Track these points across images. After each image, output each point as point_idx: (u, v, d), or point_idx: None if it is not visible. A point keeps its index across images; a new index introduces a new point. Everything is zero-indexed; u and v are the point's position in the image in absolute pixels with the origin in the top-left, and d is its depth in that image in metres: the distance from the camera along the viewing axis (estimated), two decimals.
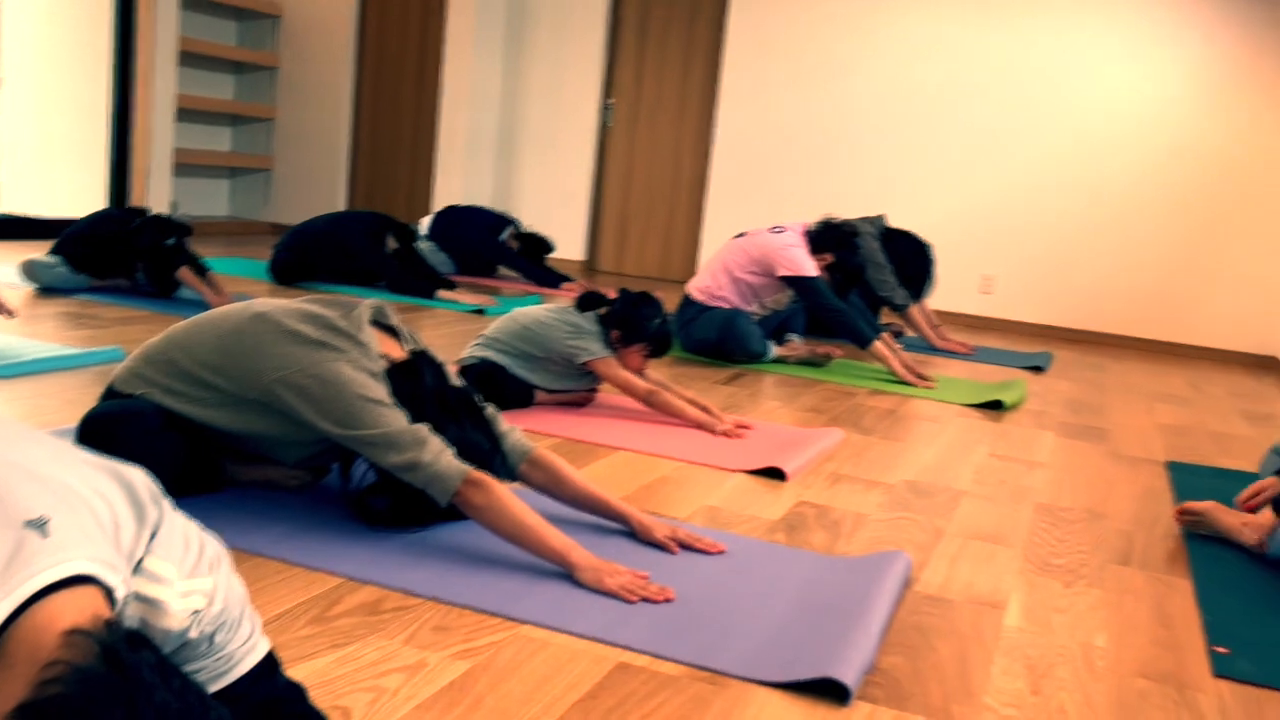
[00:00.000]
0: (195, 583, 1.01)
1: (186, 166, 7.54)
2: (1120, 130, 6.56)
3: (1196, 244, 6.49)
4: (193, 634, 1.01)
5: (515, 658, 1.58)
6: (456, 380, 2.15)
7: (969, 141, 6.84)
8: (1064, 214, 6.70)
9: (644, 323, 3.19)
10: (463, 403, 2.06)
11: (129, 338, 3.60)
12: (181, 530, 1.02)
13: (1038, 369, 5.19)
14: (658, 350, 3.23)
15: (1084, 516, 2.69)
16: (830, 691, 1.56)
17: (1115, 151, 6.57)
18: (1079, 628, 1.94)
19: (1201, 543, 2.53)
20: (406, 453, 1.88)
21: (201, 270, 4.39)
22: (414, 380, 2.00)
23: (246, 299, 2.40)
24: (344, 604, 1.70)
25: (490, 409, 2.17)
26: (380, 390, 1.95)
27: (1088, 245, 6.67)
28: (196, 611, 1.01)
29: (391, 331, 2.14)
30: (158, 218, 4.42)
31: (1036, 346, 6.11)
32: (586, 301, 3.26)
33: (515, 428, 2.20)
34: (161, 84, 6.63)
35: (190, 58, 7.35)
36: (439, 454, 1.88)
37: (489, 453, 2.03)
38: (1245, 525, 2.49)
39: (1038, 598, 2.08)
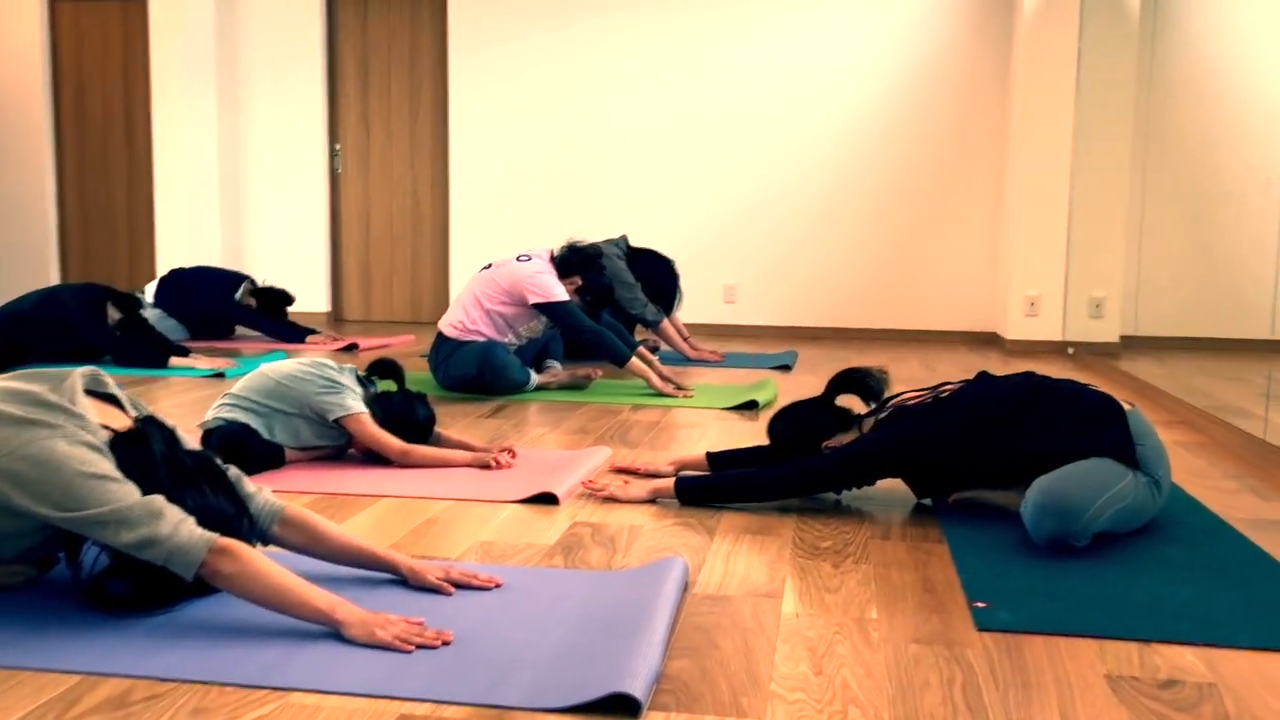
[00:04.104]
0: None
1: None
2: (834, 131, 6.95)
3: (916, 235, 6.95)
4: None
5: None
6: (192, 444, 2.00)
7: (696, 158, 7.07)
8: (793, 219, 7.02)
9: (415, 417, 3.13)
10: (200, 467, 1.91)
11: None
12: None
13: (785, 368, 5.41)
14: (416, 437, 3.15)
15: (846, 498, 2.79)
16: (621, 706, 1.53)
17: (833, 152, 6.96)
18: (852, 604, 2.00)
19: (951, 510, 2.67)
20: (141, 528, 1.73)
21: None
22: (142, 449, 1.84)
23: None
24: (84, 703, 1.53)
25: (234, 471, 2.03)
26: (104, 464, 1.78)
27: (818, 247, 7.02)
28: None
29: (111, 400, 1.97)
30: None
31: (782, 348, 6.36)
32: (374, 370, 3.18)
33: (264, 487, 2.06)
34: None
35: None
36: (178, 525, 1.74)
37: (235, 517, 1.89)
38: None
39: (810, 581, 2.13)
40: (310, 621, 1.76)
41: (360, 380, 3.16)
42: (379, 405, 3.13)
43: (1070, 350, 6.29)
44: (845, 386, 2.74)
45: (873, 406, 2.74)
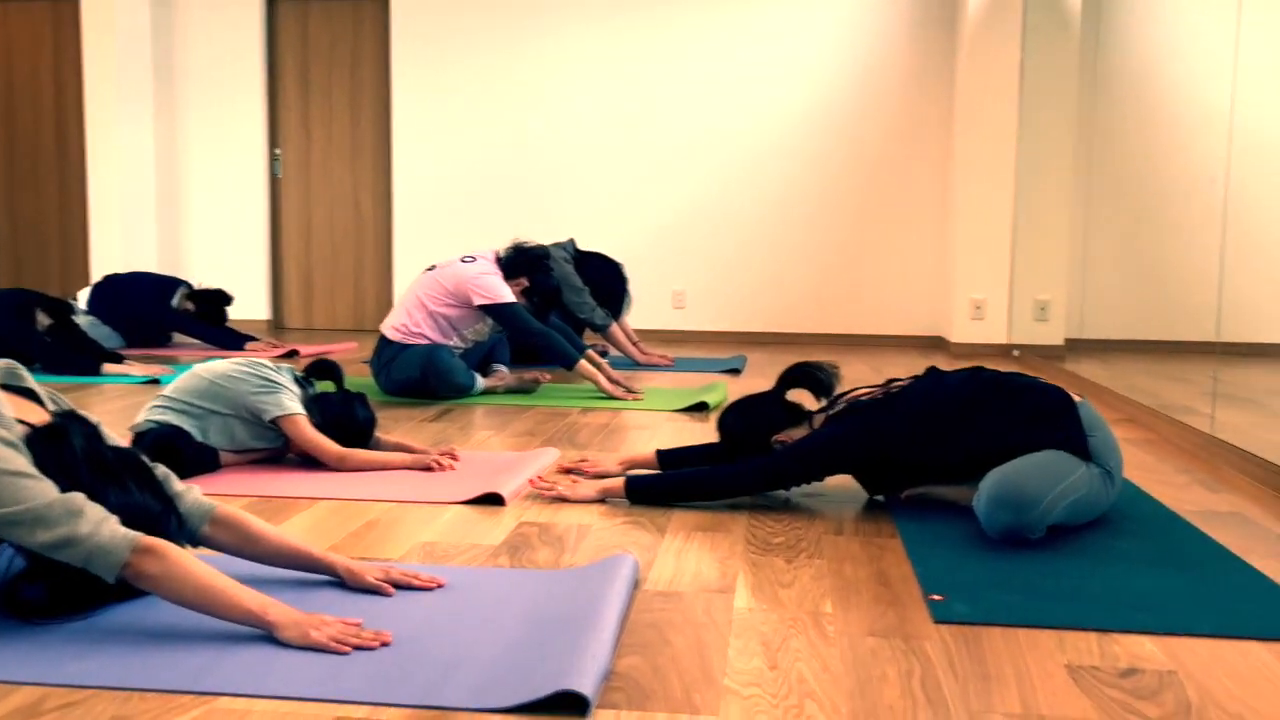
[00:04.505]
0: None
1: None
2: (781, 137, 6.94)
3: (862, 240, 6.96)
4: None
5: None
6: (118, 441, 1.90)
7: (644, 164, 7.03)
8: (740, 224, 7.01)
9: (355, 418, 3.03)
10: (124, 463, 1.81)
11: None
12: None
13: (735, 371, 5.37)
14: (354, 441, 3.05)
15: (795, 494, 2.74)
16: (569, 705, 1.46)
17: (780, 158, 6.95)
18: (806, 599, 1.95)
19: (903, 506, 2.64)
20: (59, 528, 1.63)
21: None
22: (61, 444, 1.74)
23: None
24: None
25: (161, 469, 1.93)
26: (20, 460, 1.68)
27: (766, 252, 7.01)
28: None
29: (29, 394, 1.86)
30: None
31: (731, 353, 6.32)
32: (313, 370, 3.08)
33: (194, 487, 1.96)
34: None
35: None
36: (99, 524, 1.64)
37: (161, 515, 1.79)
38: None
39: (763, 576, 2.07)
40: (241, 624, 1.67)
41: (298, 381, 3.06)
42: (317, 406, 3.03)
43: (1015, 353, 6.32)
44: (796, 381, 2.70)
45: (824, 402, 2.70)
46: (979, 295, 6.44)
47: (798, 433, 2.63)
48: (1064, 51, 6.28)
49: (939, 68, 6.82)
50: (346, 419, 3.03)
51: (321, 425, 2.98)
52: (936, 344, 6.87)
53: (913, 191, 6.92)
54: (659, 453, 2.88)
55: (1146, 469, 3.17)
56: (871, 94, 6.89)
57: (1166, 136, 6.59)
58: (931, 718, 1.47)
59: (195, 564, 1.67)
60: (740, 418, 2.70)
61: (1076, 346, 6.43)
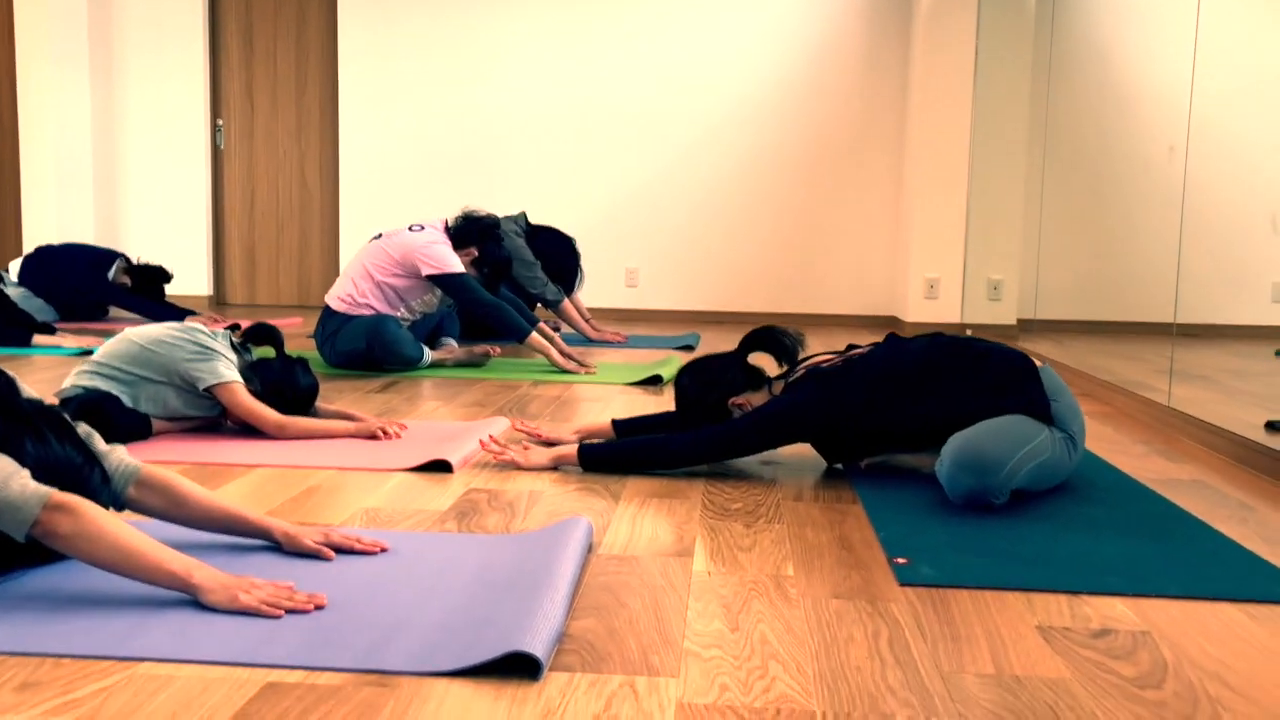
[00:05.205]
0: None
1: None
2: (736, 115, 6.86)
3: (817, 219, 6.91)
4: None
5: (131, 701, 1.27)
6: (36, 395, 1.77)
7: (598, 139, 6.92)
8: (695, 202, 6.92)
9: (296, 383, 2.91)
10: (43, 415, 1.69)
11: None
12: None
13: (689, 348, 5.29)
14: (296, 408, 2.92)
15: (752, 463, 2.67)
16: (520, 668, 1.37)
17: (735, 136, 6.87)
18: (767, 562, 1.87)
19: (863, 474, 2.57)
20: None
21: None
22: None
23: None
24: None
25: (84, 427, 1.81)
26: None
27: (721, 231, 6.93)
28: None
29: None
30: None
31: (684, 331, 6.25)
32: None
33: (118, 447, 1.84)
34: None
35: None
36: (8, 478, 1.52)
37: (83, 468, 1.67)
38: None
39: (722, 540, 1.99)
40: (165, 587, 1.56)
41: (235, 347, 2.93)
42: (256, 373, 2.90)
43: (968, 332, 6.30)
44: (760, 344, 2.62)
45: (784, 368, 2.62)
46: (933, 275, 6.41)
47: (756, 398, 2.55)
48: (1019, 31, 6.26)
49: (894, 46, 6.78)
50: (287, 385, 2.91)
51: (261, 393, 2.86)
52: (890, 323, 6.83)
53: (867, 171, 6.88)
54: (615, 422, 2.79)
55: (1106, 440, 3.14)
56: (827, 73, 6.83)
57: (1122, 119, 6.60)
58: (901, 678, 1.40)
59: (114, 523, 1.55)
60: (698, 377, 2.61)
61: (1030, 326, 6.43)
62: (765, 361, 2.62)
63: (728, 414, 2.55)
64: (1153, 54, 6.54)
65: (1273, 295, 5.76)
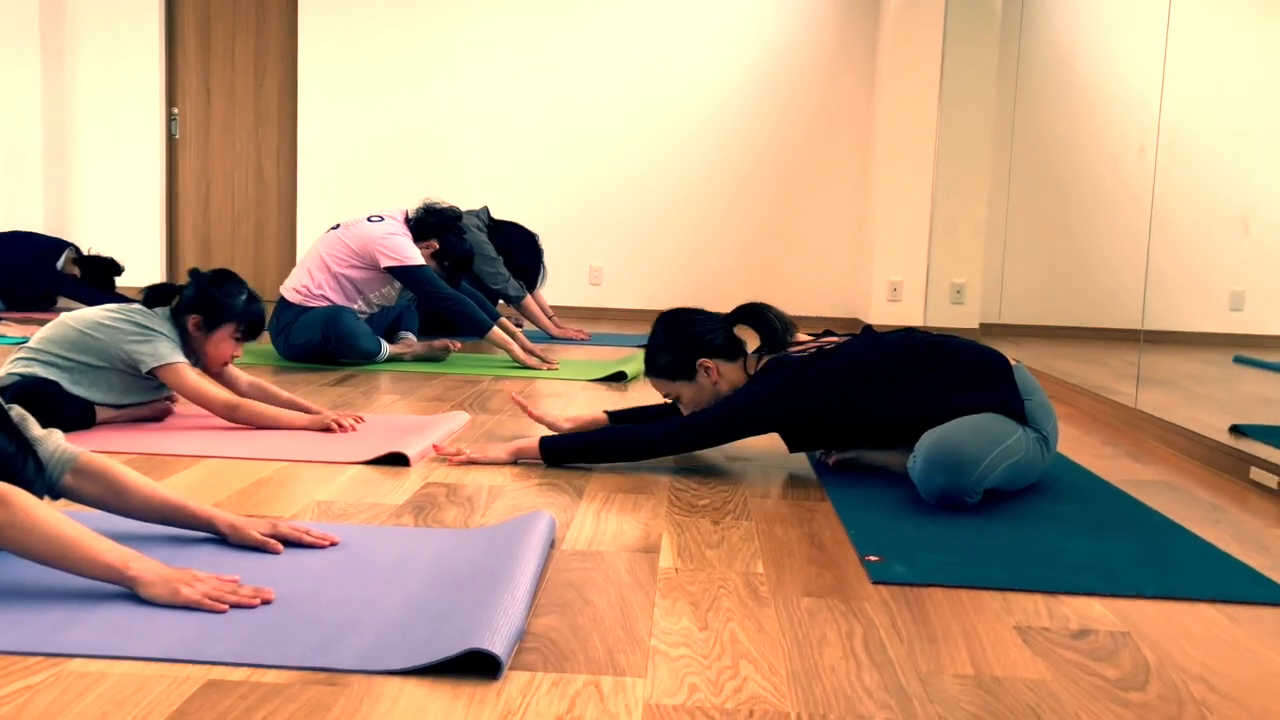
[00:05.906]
0: None
1: None
2: (701, 115, 6.80)
3: (781, 220, 6.87)
4: None
5: (59, 700, 1.19)
6: None
7: (562, 136, 6.83)
8: (659, 201, 6.86)
9: (227, 301, 2.75)
10: None
11: None
12: None
13: None
14: (251, 331, 2.79)
15: (720, 460, 2.60)
16: (478, 666, 1.29)
17: (699, 136, 6.82)
18: (736, 559, 1.81)
19: (832, 471, 2.52)
20: None
21: None
22: None
23: None
24: None
25: (17, 411, 1.71)
26: None
27: (685, 230, 6.87)
28: None
29: None
30: None
31: (648, 330, 6.17)
32: (155, 296, 2.78)
33: (54, 431, 1.75)
34: None
35: None
36: None
37: (15, 457, 1.58)
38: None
39: (689, 537, 1.93)
40: (100, 580, 1.47)
41: (176, 323, 2.80)
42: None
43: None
44: (748, 318, 2.57)
45: (760, 350, 2.56)
46: (896, 277, 6.40)
47: (727, 368, 2.49)
48: (986, 34, 6.26)
49: (861, 47, 6.76)
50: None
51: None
52: (853, 325, 6.78)
53: (832, 172, 6.85)
54: (609, 414, 2.71)
55: (1073, 441, 3.11)
56: (793, 73, 6.79)
57: (1088, 123, 6.62)
58: (878, 679, 1.34)
59: (46, 512, 1.46)
60: (672, 324, 2.57)
61: (991, 330, 6.43)
62: (748, 336, 2.57)
63: (688, 373, 2.48)
64: (1119, 58, 6.56)
65: (1231, 304, 5.79)
